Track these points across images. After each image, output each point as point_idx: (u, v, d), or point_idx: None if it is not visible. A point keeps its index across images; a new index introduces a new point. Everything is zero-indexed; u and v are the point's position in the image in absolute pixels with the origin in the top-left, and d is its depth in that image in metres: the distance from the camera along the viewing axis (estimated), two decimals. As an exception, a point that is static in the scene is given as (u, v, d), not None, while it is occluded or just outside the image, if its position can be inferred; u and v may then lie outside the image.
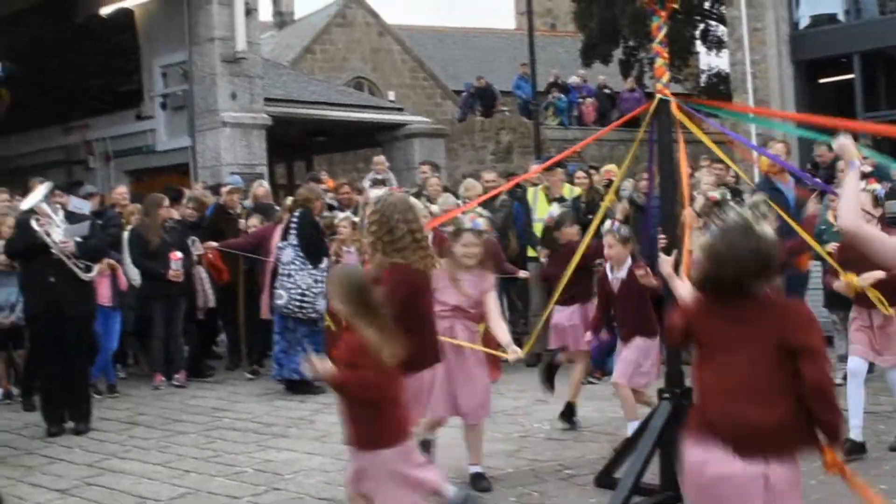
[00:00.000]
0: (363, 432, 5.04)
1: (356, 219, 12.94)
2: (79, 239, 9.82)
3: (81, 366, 10.10)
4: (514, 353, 6.95)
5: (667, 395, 6.57)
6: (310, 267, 11.49)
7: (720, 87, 37.01)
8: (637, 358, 8.11)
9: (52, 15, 22.70)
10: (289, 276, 11.54)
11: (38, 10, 22.95)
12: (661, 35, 6.50)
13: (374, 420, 5.00)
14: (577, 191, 13.11)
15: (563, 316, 9.28)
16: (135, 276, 12.47)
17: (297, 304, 11.42)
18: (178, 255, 12.18)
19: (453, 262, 7.16)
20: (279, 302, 11.54)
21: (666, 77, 6.54)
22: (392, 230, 5.97)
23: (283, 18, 49.31)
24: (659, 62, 6.58)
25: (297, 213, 11.84)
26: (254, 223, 13.11)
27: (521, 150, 28.65)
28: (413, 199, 6.90)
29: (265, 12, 42.40)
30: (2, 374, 11.84)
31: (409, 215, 6.06)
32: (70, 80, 22.57)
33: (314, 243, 11.75)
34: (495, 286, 7.61)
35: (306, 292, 11.40)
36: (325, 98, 23.92)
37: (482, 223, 7.51)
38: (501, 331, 7.17)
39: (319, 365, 4.98)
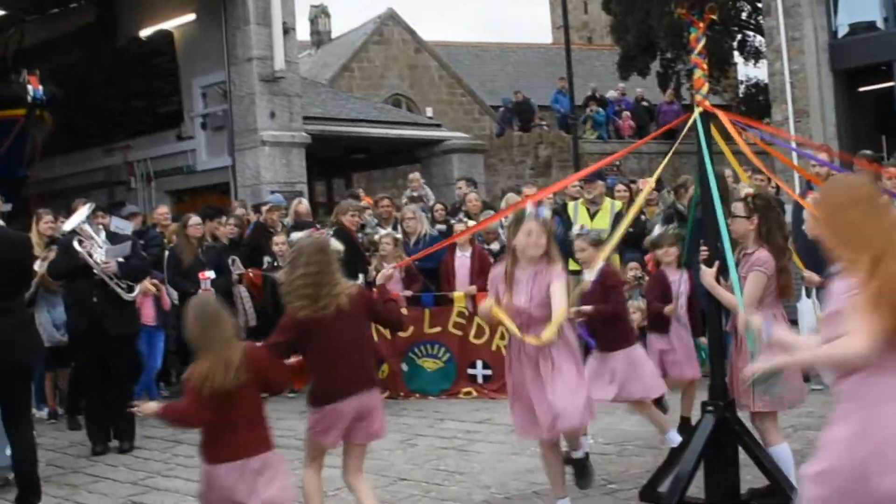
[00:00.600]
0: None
1: (399, 235, 12.99)
2: (121, 259, 9.88)
3: (125, 384, 10.15)
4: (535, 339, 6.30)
5: (710, 408, 6.52)
6: (345, 282, 11.48)
7: (759, 98, 36.85)
8: (632, 370, 7.93)
9: (94, 38, 22.94)
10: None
11: (79, 34, 23.21)
12: (699, 46, 6.48)
13: (205, 441, 5.73)
14: (618, 205, 13.08)
15: (662, 343, 8.80)
16: (176, 295, 12.55)
17: None
18: (208, 274, 12.20)
19: (513, 259, 6.63)
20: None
21: (705, 88, 6.52)
22: (292, 276, 6.18)
23: (320, 37, 49.55)
24: (698, 73, 6.56)
25: (331, 230, 11.88)
26: (281, 241, 13.08)
27: (559, 165, 28.61)
28: (328, 243, 6.99)
29: (302, 32, 42.67)
30: (48, 393, 11.92)
31: (311, 259, 6.16)
32: (111, 101, 22.78)
33: (347, 259, 11.78)
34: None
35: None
36: (364, 115, 23.99)
37: (546, 212, 6.81)
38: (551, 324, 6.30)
39: (144, 407, 5.99)
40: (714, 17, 6.49)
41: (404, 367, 12.58)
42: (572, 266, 12.86)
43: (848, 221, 4.30)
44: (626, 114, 31.12)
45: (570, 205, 13.42)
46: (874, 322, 4.10)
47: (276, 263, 12.91)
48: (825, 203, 4.53)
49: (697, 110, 6.55)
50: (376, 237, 12.79)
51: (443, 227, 14.05)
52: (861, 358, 4.15)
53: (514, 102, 33.43)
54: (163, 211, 14.89)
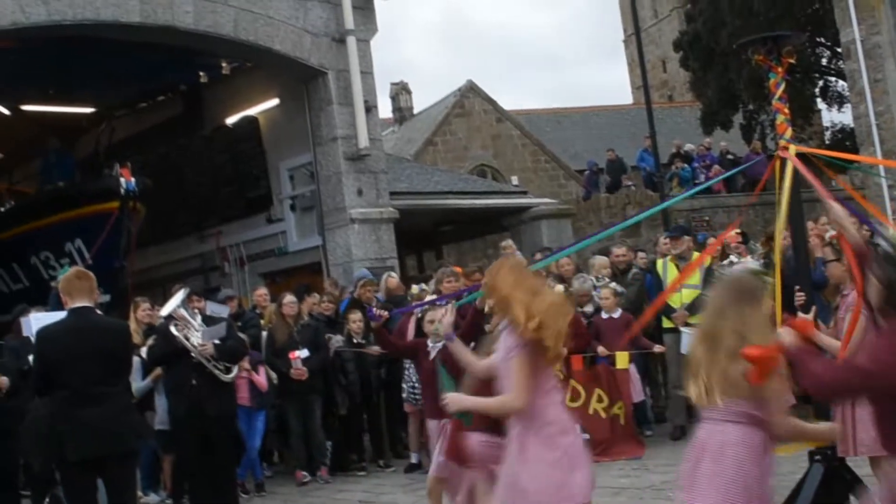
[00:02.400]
0: None
1: (616, 286, 13.06)
2: (217, 341, 10.02)
3: (228, 466, 10.24)
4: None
5: (818, 458, 6.40)
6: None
7: (846, 143, 36.44)
8: None
9: (181, 129, 23.44)
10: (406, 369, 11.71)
11: (167, 125, 23.74)
12: (779, 91, 6.46)
13: None
14: (708, 260, 12.97)
15: None
16: (275, 375, 12.68)
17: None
18: (297, 353, 12.33)
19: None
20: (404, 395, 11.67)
21: (789, 133, 6.49)
22: None
23: (402, 114, 50.10)
24: (780, 119, 6.53)
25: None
26: (357, 318, 13.15)
27: (649, 224, 28.46)
28: None
29: (385, 109, 43.14)
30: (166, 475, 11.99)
31: None
32: (202, 189, 23.20)
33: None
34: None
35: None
36: (450, 187, 24.12)
37: None
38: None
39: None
40: (792, 60, 6.47)
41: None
42: (666, 324, 12.85)
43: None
44: (717, 167, 30.88)
45: (660, 262, 13.36)
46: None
47: (354, 340, 13.02)
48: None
49: (792, 149, 6.47)
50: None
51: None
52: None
53: (607, 161, 33.46)
54: (262, 292, 15.05)
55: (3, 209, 21.81)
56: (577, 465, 5.63)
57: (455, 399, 6.06)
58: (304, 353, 12.38)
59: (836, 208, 5.84)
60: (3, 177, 27.08)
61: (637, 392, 12.90)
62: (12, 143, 26.38)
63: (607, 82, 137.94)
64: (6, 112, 25.10)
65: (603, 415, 12.40)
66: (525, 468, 5.54)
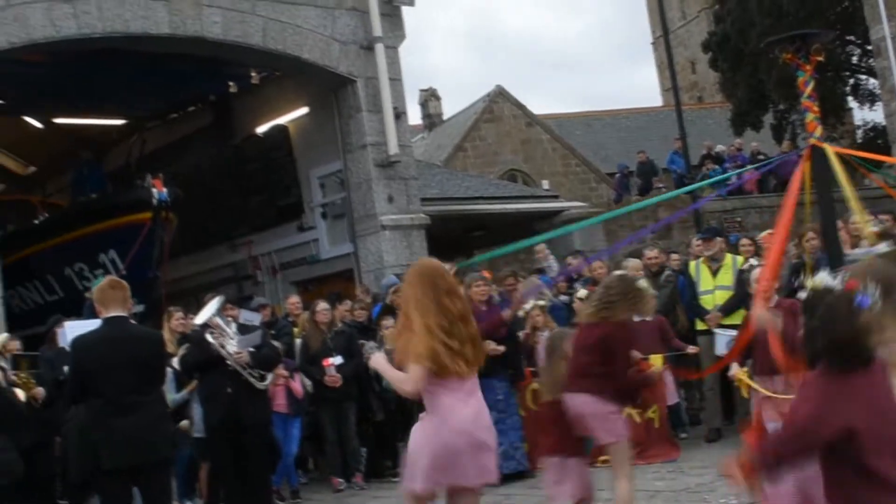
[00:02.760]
0: None
1: (544, 303, 13.05)
2: (252, 349, 10.07)
3: (263, 473, 10.27)
4: None
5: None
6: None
7: (878, 141, 36.20)
8: None
9: (212, 139, 23.56)
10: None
11: (199, 135, 23.87)
12: (808, 89, 6.43)
13: None
14: (741, 260, 12.91)
15: None
16: (309, 382, 12.71)
17: None
18: (332, 360, 12.35)
19: None
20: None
21: (818, 131, 6.46)
22: None
23: (432, 120, 50.12)
24: (810, 117, 6.50)
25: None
26: (389, 323, 13.15)
27: (680, 226, 28.37)
28: None
29: (414, 116, 43.20)
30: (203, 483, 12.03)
31: None
32: (233, 198, 23.30)
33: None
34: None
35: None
36: (481, 192, 24.12)
37: None
38: None
39: None
40: (820, 58, 6.44)
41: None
42: (700, 326, 12.80)
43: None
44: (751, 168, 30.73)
45: (692, 264, 13.31)
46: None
47: (387, 347, 13.01)
48: None
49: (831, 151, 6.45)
50: (526, 310, 12.92)
51: (566, 297, 14.04)
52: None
53: (638, 163, 33.38)
54: (294, 300, 15.10)
55: (37, 221, 21.97)
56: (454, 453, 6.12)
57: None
58: (337, 360, 12.41)
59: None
60: (37, 189, 27.35)
61: (671, 394, 12.85)
62: (45, 156, 26.67)
63: (636, 85, 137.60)
64: (39, 125, 25.35)
65: (637, 418, 12.35)
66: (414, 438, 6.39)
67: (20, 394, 10.04)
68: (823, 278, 4.22)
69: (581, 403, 7.40)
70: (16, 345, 12.38)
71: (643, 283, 8.58)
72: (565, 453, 7.53)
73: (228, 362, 9.93)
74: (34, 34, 15.74)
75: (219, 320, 10.11)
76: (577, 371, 7.52)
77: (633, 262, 13.77)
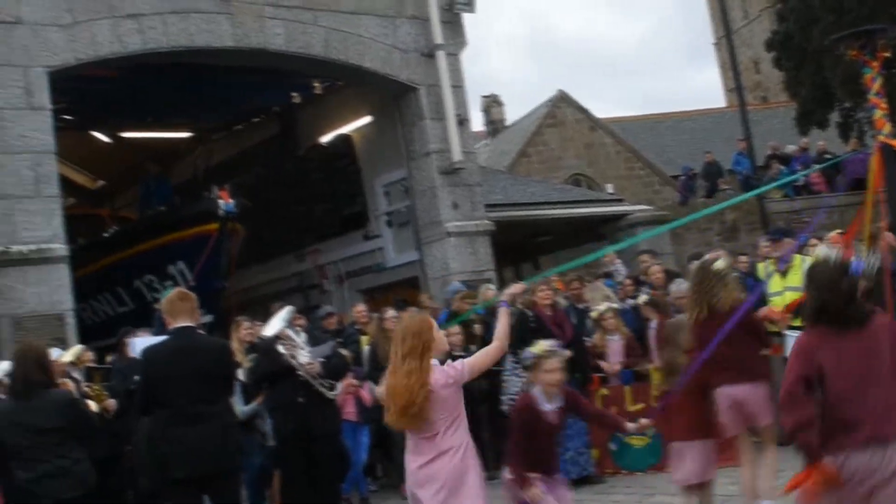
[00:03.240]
0: None
1: (616, 305, 13.01)
2: (322, 359, 10.12)
3: (334, 482, 10.31)
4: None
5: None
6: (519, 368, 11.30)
7: (954, 137, 35.61)
8: None
9: (277, 149, 23.73)
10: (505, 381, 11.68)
11: (263, 146, 24.08)
12: (875, 86, 6.33)
13: None
14: (810, 260, 12.75)
15: None
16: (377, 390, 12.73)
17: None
18: None
19: None
20: (503, 408, 11.66)
21: (887, 128, 6.35)
22: None
23: (495, 126, 50.07)
24: (878, 114, 6.41)
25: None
26: (455, 331, 13.13)
27: (747, 228, 28.13)
28: None
29: (477, 123, 43.19)
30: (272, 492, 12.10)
31: None
32: (298, 208, 23.45)
33: (523, 340, 11.80)
34: None
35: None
36: (545, 198, 24.05)
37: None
38: None
39: None
40: (887, 54, 6.35)
41: (612, 446, 12.48)
42: (770, 328, 12.65)
43: None
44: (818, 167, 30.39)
45: (761, 265, 13.18)
46: None
47: (454, 354, 12.98)
48: None
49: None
50: (600, 312, 12.92)
51: (632, 300, 13.97)
52: None
53: (705, 164, 33.14)
54: (360, 309, 15.13)
55: (106, 235, 22.25)
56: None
57: None
58: (407, 367, 12.40)
59: None
60: (106, 203, 27.69)
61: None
62: (114, 170, 27.01)
63: (699, 86, 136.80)
64: (107, 140, 25.68)
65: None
66: None
67: (92, 405, 10.15)
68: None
69: (741, 392, 8.33)
70: (90, 356, 12.54)
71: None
72: (697, 437, 8.33)
73: (300, 373, 9.99)
74: (101, 50, 15.94)
75: (289, 331, 10.18)
76: (722, 362, 8.09)
77: (696, 264, 13.63)
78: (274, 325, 10.25)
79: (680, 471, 8.55)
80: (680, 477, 8.55)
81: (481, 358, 6.86)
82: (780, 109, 47.82)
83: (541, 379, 7.38)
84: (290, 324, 10.37)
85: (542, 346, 7.58)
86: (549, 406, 7.37)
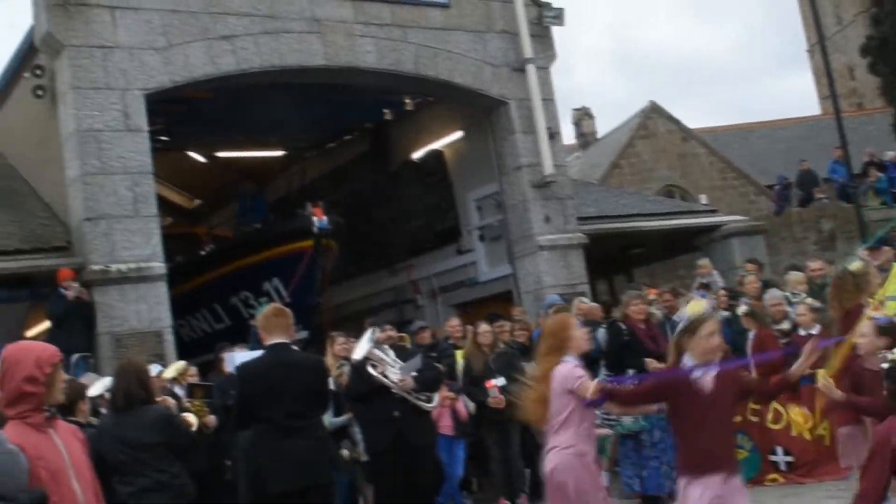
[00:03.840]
0: None
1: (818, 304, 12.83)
2: (414, 373, 10.17)
3: (430, 495, 10.34)
4: None
5: None
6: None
7: None
8: None
9: (369, 165, 23.91)
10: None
11: (355, 163, 24.28)
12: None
13: None
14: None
15: None
16: (473, 404, 12.74)
17: (604, 418, 11.28)
18: (494, 382, 12.34)
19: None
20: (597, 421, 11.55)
21: None
22: None
23: (586, 139, 49.95)
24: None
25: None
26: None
27: (844, 236, 27.70)
28: None
29: (568, 135, 43.12)
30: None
31: None
32: (392, 224, 23.59)
33: (616, 353, 11.72)
34: None
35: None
36: (638, 209, 23.88)
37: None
38: None
39: None
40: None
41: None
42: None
43: None
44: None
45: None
46: None
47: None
48: None
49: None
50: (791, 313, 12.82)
51: (727, 312, 13.82)
52: None
53: (800, 172, 32.73)
54: (454, 323, 15.14)
55: (203, 253, 22.57)
56: None
57: None
58: (500, 381, 12.41)
59: None
60: (203, 222, 28.11)
61: (842, 410, 12.50)
62: (209, 189, 27.41)
63: (792, 94, 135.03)
64: (203, 160, 26.10)
65: (807, 436, 12.10)
66: None
67: (191, 418, 10.30)
68: None
69: None
70: (192, 372, 12.73)
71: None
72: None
73: (394, 390, 10.07)
74: (195, 72, 16.22)
75: (376, 352, 10.27)
76: None
77: (796, 276, 13.48)
78: (361, 348, 10.34)
79: (847, 457, 8.49)
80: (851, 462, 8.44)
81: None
82: (876, 116, 47.01)
83: (698, 346, 6.42)
84: (377, 343, 10.44)
85: (698, 305, 6.82)
86: (705, 379, 6.38)
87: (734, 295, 14.64)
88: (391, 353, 10.47)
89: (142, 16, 15.85)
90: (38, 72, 16.35)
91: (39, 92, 16.42)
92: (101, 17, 15.52)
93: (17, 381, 5.16)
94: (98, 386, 10.35)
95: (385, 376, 10.10)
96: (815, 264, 14.26)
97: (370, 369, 10.17)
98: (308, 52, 17.18)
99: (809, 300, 12.92)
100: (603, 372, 11.73)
